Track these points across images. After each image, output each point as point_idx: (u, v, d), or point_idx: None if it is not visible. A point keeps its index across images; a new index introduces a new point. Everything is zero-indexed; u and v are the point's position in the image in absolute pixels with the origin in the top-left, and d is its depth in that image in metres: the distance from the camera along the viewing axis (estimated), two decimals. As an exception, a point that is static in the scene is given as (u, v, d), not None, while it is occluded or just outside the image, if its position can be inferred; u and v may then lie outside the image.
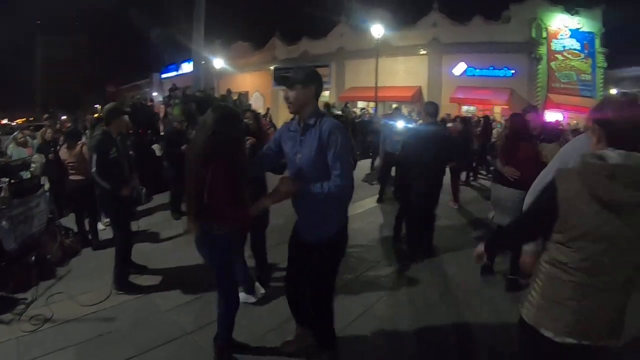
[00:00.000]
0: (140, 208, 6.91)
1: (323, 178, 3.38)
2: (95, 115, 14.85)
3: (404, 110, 16.79)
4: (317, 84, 3.58)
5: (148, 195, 9.26)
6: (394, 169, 10.96)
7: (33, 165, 7.74)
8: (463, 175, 12.28)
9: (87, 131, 9.40)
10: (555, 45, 30.74)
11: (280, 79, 3.49)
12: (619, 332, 2.34)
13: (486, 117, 16.76)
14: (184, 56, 43.75)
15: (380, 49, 27.61)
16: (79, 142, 7.79)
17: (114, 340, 4.51)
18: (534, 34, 30.11)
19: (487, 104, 30.70)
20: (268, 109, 26.05)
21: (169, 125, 10.93)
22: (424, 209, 7.04)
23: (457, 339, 4.72)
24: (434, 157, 6.57)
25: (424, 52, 33.34)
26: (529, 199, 3.32)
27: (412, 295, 5.72)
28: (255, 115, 6.53)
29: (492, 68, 31.13)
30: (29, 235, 6.56)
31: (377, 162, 13.16)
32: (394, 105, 20.53)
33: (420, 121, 10.09)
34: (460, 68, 32.32)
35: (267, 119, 20.81)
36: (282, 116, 30.00)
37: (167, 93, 22.60)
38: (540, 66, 30.49)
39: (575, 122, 25.44)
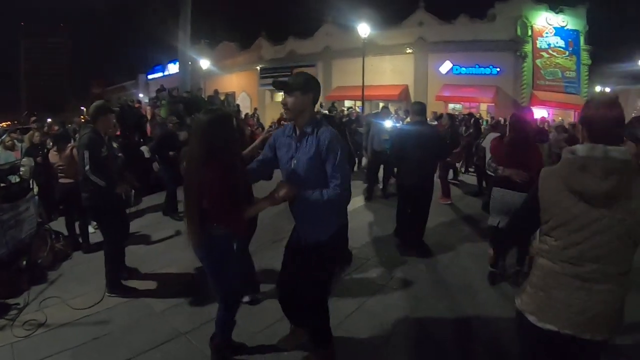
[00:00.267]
0: (129, 210, 6.91)
1: (318, 184, 3.43)
2: (82, 118, 14.77)
3: (391, 109, 16.83)
4: (316, 91, 3.57)
5: (137, 197, 9.24)
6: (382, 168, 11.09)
7: (22, 168, 7.68)
8: (450, 173, 12.31)
9: (76, 135, 9.35)
10: (540, 43, 31.01)
11: (279, 84, 3.40)
12: (611, 327, 2.37)
13: (471, 115, 16.85)
14: (170, 57, 43.68)
15: (366, 48, 27.65)
16: (68, 145, 7.74)
17: (109, 343, 4.50)
18: (519, 32, 30.35)
19: (473, 102, 30.94)
20: (255, 109, 25.97)
21: (162, 126, 10.91)
22: (416, 206, 7.12)
23: (449, 334, 4.77)
24: (423, 155, 6.64)
25: (410, 51, 33.47)
26: None
27: (404, 291, 5.75)
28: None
29: (477, 66, 31.37)
30: (20, 240, 6.50)
31: (364, 161, 13.18)
32: (381, 104, 20.59)
33: (408, 120, 10.17)
34: (446, 66, 32.50)
35: (255, 120, 20.78)
36: (269, 116, 30.00)
37: (153, 94, 22.52)
38: (525, 64, 30.74)
39: (560, 118, 25.67)
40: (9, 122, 45.79)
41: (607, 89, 43.15)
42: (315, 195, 3.40)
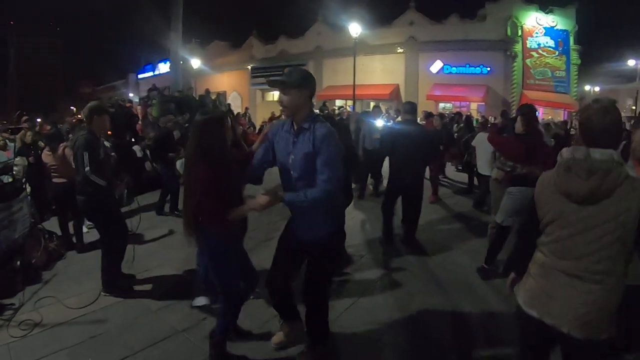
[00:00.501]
0: (122, 210, 6.91)
1: (314, 180, 3.42)
2: (74, 117, 14.70)
3: (382, 108, 16.92)
4: (312, 86, 3.55)
5: (130, 197, 9.26)
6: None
7: (15, 168, 7.65)
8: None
9: (70, 135, 9.32)
10: (530, 43, 31.23)
11: (274, 83, 3.39)
12: (592, 327, 2.42)
13: (459, 114, 16.94)
14: (160, 56, 43.57)
15: (357, 48, 27.69)
16: (60, 145, 7.71)
17: (106, 342, 4.50)
18: (509, 32, 30.56)
19: (463, 101, 31.11)
20: (247, 108, 25.96)
21: (156, 126, 10.90)
22: (408, 204, 7.21)
23: (443, 329, 4.82)
24: (412, 153, 6.71)
25: (401, 50, 33.57)
26: None
27: (397, 288, 5.81)
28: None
29: (468, 65, 31.54)
30: (13, 240, 6.47)
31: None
32: (372, 104, 20.65)
33: (399, 119, 10.24)
34: (436, 66, 32.64)
35: (246, 119, 20.78)
36: (260, 116, 30.00)
37: (143, 94, 22.45)
38: (515, 63, 30.95)
39: (549, 117, 25.87)
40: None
41: (597, 88, 43.61)
42: (299, 198, 3.42)
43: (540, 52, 31.51)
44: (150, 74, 50.56)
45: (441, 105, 31.12)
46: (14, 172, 7.45)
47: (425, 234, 7.76)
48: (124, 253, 6.02)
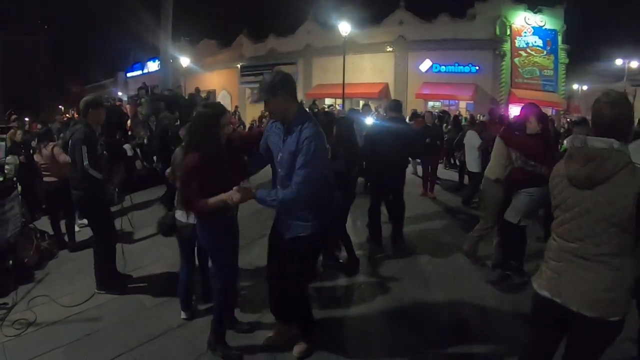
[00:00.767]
0: (113, 208, 6.85)
1: None
2: (64, 116, 14.62)
3: (371, 106, 17.05)
4: (286, 87, 3.55)
5: (121, 195, 9.25)
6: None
7: (7, 167, 7.61)
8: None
9: (61, 134, 9.27)
10: (519, 42, 31.42)
11: (254, 98, 3.47)
12: (600, 307, 2.51)
13: (445, 112, 17.02)
14: (149, 55, 43.36)
15: (347, 46, 27.72)
16: (50, 144, 7.66)
17: (102, 339, 4.52)
18: (498, 32, 30.74)
19: (452, 99, 31.27)
20: (236, 107, 26.00)
21: (160, 124, 10.86)
22: (393, 201, 7.32)
23: (434, 322, 4.89)
24: (395, 150, 6.76)
25: (391, 49, 33.63)
26: None
27: (389, 283, 5.87)
28: None
29: (457, 64, 31.68)
30: (5, 240, 6.45)
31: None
32: (362, 102, 20.72)
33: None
34: (426, 65, 32.74)
35: (236, 118, 20.76)
36: (250, 114, 29.98)
37: (132, 92, 22.36)
38: (504, 62, 31.12)
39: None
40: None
41: (585, 87, 43.89)
42: (269, 196, 3.52)
43: (529, 51, 31.72)
44: (139, 72, 50.26)
45: (430, 104, 31.21)
46: (6, 171, 7.41)
47: (415, 230, 7.90)
48: (115, 250, 6.01)
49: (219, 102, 4.57)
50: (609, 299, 2.51)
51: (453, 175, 12.90)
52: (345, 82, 27.35)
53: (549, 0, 31.35)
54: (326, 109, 20.69)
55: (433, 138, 10.86)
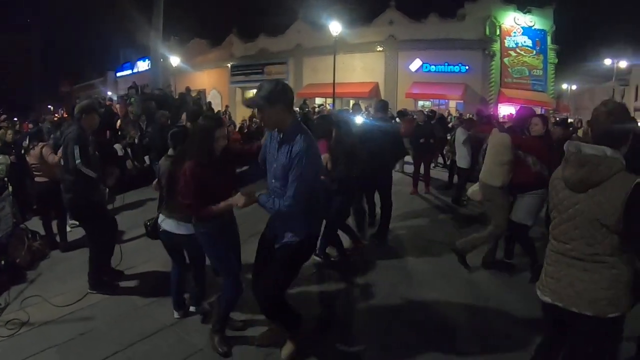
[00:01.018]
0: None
1: None
2: (55, 116, 14.56)
3: (362, 106, 17.15)
4: (284, 97, 3.51)
5: (111, 196, 9.26)
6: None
7: (-1, 166, 7.61)
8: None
9: (52, 135, 9.25)
10: (508, 42, 31.68)
11: (249, 103, 3.44)
12: (598, 305, 2.62)
13: (433, 112, 17.11)
14: (139, 54, 43.21)
15: (337, 46, 27.79)
16: (39, 144, 7.61)
17: (95, 338, 4.52)
18: (487, 32, 30.95)
19: (442, 99, 31.45)
20: (227, 106, 25.96)
21: (157, 123, 10.85)
22: (381, 200, 7.39)
23: (424, 317, 4.92)
24: (378, 150, 6.75)
25: (381, 49, 33.76)
26: None
27: (378, 279, 5.91)
28: None
29: (447, 64, 31.89)
30: (-4, 240, 6.47)
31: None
32: (352, 102, 20.78)
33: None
34: (416, 64, 32.91)
35: (227, 117, 20.74)
36: (240, 114, 29.93)
37: (122, 92, 22.27)
38: (493, 62, 31.36)
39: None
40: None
41: (574, 87, 44.18)
42: (268, 203, 3.54)
43: (518, 51, 31.98)
44: (129, 71, 50.12)
45: (420, 103, 31.32)
46: (-3, 171, 7.41)
47: (405, 228, 7.96)
48: (113, 250, 6.02)
49: (218, 115, 4.63)
50: (606, 297, 2.61)
51: (441, 174, 12.93)
52: (336, 81, 27.43)
53: (538, 0, 31.61)
54: (316, 109, 20.75)
55: (426, 137, 10.92)
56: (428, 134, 11.04)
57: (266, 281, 3.86)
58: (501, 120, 19.71)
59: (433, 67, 32.36)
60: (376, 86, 34.08)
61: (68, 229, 7.72)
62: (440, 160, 15.03)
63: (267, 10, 39.83)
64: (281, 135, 3.60)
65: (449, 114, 23.22)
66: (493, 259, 6.24)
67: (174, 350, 4.29)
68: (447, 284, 5.75)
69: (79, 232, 7.29)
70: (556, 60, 33.07)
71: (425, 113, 13.58)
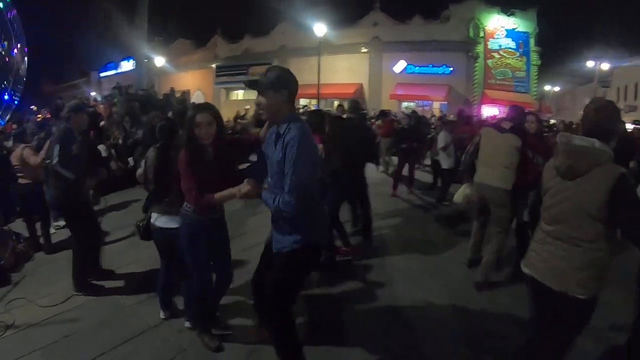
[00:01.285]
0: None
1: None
2: (38, 116, 14.43)
3: (345, 106, 17.22)
4: (290, 86, 3.27)
5: (96, 197, 9.23)
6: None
7: (-19, 168, 7.53)
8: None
9: (35, 136, 9.17)
10: (492, 44, 32.02)
11: (250, 83, 3.22)
12: (569, 283, 2.84)
13: (414, 112, 17.23)
14: (123, 54, 42.94)
15: (322, 47, 27.87)
16: (20, 145, 7.54)
17: (80, 340, 4.48)
18: (471, 34, 31.27)
19: (426, 100, 31.66)
20: (212, 107, 25.87)
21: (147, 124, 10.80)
22: (360, 201, 7.42)
23: (412, 316, 4.91)
24: (351, 152, 6.71)
25: (365, 50, 33.92)
26: None
27: (365, 278, 5.94)
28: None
29: (431, 66, 32.17)
30: (-21, 242, 6.41)
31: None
32: (336, 102, 20.82)
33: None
34: (400, 66, 33.13)
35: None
36: (225, 114, 29.75)
37: (105, 92, 22.12)
38: (477, 64, 31.68)
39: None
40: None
41: (557, 88, 44.57)
42: (269, 199, 3.27)
43: (502, 53, 32.35)
44: (114, 72, 49.74)
45: (404, 104, 31.50)
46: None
47: (388, 227, 8.02)
48: (99, 250, 6.02)
49: (206, 103, 4.53)
50: (576, 278, 2.82)
51: (425, 176, 13.00)
52: (320, 82, 27.53)
53: (522, 3, 31.99)
54: (301, 109, 20.76)
55: (410, 140, 10.99)
56: (412, 137, 11.11)
57: (269, 288, 3.58)
58: (484, 120, 19.81)
59: (417, 68, 32.63)
60: (360, 87, 34.25)
61: (52, 230, 7.67)
62: (426, 161, 15.12)
63: (252, 11, 39.86)
64: (277, 129, 3.33)
65: (432, 115, 23.36)
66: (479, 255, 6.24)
67: (159, 352, 4.26)
68: (436, 282, 5.81)
69: (63, 234, 7.25)
70: (539, 62, 33.50)
71: (407, 114, 13.66)
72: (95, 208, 6.75)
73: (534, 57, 33.14)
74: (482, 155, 5.78)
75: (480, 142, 5.84)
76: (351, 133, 6.93)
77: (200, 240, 3.98)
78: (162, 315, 4.81)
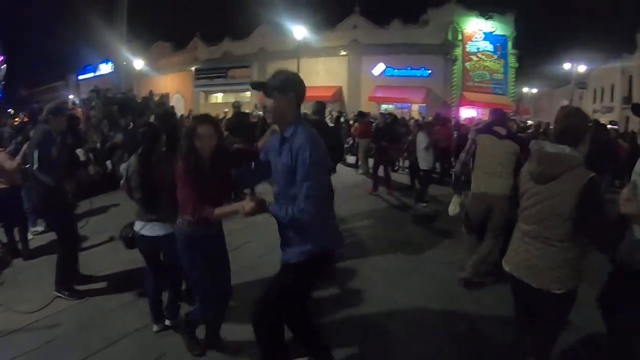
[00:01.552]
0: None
1: (295, 197, 3.14)
2: (15, 120, 14.24)
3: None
4: (297, 89, 3.25)
5: (74, 202, 9.16)
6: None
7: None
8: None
9: (13, 140, 9.05)
10: (470, 47, 32.38)
11: (256, 85, 3.12)
12: (543, 280, 3.00)
13: (390, 114, 17.34)
14: (102, 57, 42.49)
15: (301, 50, 27.96)
16: (-2, 150, 7.43)
17: (63, 345, 4.46)
18: (450, 37, 31.60)
19: (405, 102, 31.86)
20: (191, 110, 25.78)
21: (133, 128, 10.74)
22: None
23: (383, 316, 4.97)
24: None
25: (345, 53, 34.03)
26: None
27: (348, 279, 5.97)
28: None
29: (409, 68, 32.48)
30: (-43, 248, 6.34)
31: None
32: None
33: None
34: (379, 68, 33.33)
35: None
36: (205, 118, 29.79)
37: (84, 95, 21.92)
38: (455, 67, 32.02)
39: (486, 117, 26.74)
40: None
41: (534, 90, 45.12)
42: (281, 212, 3.16)
43: (480, 56, 32.70)
44: (92, 74, 49.10)
45: (383, 106, 31.60)
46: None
47: (365, 227, 8.14)
48: (77, 255, 5.98)
49: (207, 114, 4.40)
50: (551, 275, 2.98)
51: (403, 177, 13.10)
52: (300, 85, 27.50)
53: (500, 7, 32.39)
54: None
55: (385, 139, 11.13)
56: (388, 137, 11.23)
57: (268, 294, 3.44)
58: (463, 122, 19.96)
59: (396, 71, 32.88)
60: (339, 90, 34.37)
61: (30, 236, 7.59)
62: (401, 163, 15.23)
63: (231, 14, 39.76)
64: (281, 135, 3.28)
65: (411, 117, 23.53)
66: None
67: (140, 355, 4.27)
68: (415, 282, 5.89)
69: (41, 240, 7.22)
70: (517, 65, 33.89)
71: (382, 114, 13.76)
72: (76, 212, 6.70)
73: (512, 60, 33.52)
74: (480, 163, 5.73)
75: (476, 149, 5.76)
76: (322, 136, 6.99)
77: (197, 254, 3.84)
78: (155, 328, 4.68)
